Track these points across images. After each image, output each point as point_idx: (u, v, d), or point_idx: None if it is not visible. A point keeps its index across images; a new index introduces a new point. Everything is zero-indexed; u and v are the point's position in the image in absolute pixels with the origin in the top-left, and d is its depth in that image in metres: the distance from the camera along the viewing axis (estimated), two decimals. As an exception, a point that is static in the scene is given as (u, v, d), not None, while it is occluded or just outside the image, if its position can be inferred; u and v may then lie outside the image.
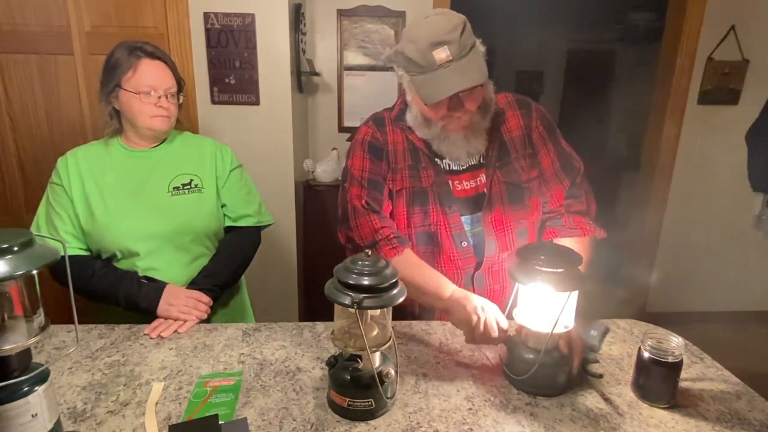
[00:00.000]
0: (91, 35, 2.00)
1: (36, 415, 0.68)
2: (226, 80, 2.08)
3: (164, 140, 1.32)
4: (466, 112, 1.03)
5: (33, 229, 1.24)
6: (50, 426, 0.70)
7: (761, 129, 2.72)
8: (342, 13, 2.54)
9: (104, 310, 1.26)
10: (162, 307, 1.16)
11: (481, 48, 1.02)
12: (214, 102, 2.11)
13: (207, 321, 1.20)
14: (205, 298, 1.20)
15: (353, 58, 2.61)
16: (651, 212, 2.89)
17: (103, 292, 1.20)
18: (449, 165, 1.14)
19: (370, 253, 0.83)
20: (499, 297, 1.15)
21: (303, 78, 2.37)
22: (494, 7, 3.55)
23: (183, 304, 1.16)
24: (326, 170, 2.38)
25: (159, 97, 1.22)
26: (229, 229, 1.37)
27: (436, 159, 1.13)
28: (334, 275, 0.83)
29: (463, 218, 1.13)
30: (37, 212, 1.26)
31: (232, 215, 1.36)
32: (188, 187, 1.28)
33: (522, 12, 4.31)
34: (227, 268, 1.31)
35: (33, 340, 0.67)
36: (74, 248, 1.22)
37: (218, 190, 1.33)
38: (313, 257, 2.45)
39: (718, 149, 2.80)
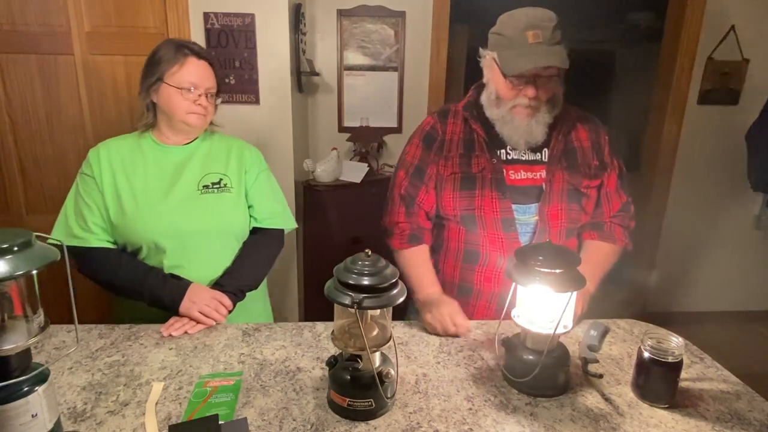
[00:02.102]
0: (91, 35, 2.00)
1: (36, 415, 0.68)
2: (226, 80, 2.08)
3: (195, 138, 1.33)
4: (537, 99, 1.13)
5: (60, 220, 1.24)
6: (50, 426, 0.70)
7: (761, 129, 2.72)
8: (342, 13, 2.54)
9: (129, 307, 1.27)
10: (185, 305, 1.16)
11: (566, 49, 1.12)
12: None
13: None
14: (227, 302, 1.19)
15: (353, 58, 2.61)
16: (651, 212, 2.89)
17: (130, 286, 1.20)
18: (508, 155, 1.22)
19: (370, 253, 0.83)
20: None
21: (303, 78, 2.37)
22: (494, 7, 3.56)
23: (205, 303, 1.16)
24: (326, 170, 2.38)
25: (199, 95, 1.23)
26: (254, 231, 1.37)
27: (496, 149, 1.21)
28: (334, 275, 0.83)
29: (515, 206, 1.20)
30: (64, 203, 1.25)
31: (259, 216, 1.36)
32: (217, 186, 1.29)
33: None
34: (252, 270, 1.31)
35: (33, 340, 0.67)
36: (102, 240, 1.22)
37: (246, 190, 1.34)
38: (313, 257, 2.45)
39: (718, 149, 2.80)
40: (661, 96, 2.79)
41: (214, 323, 1.16)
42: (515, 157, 1.22)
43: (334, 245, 2.38)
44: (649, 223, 2.91)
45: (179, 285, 1.19)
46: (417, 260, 1.25)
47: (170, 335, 1.11)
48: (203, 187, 1.27)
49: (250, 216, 1.35)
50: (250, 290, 1.30)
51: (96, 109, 2.08)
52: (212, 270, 1.27)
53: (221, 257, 1.29)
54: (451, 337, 1.12)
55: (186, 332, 1.12)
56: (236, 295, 1.23)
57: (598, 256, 1.26)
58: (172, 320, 1.16)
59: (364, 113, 2.66)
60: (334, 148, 2.50)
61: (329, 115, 2.68)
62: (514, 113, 1.17)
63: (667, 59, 2.73)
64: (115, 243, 1.25)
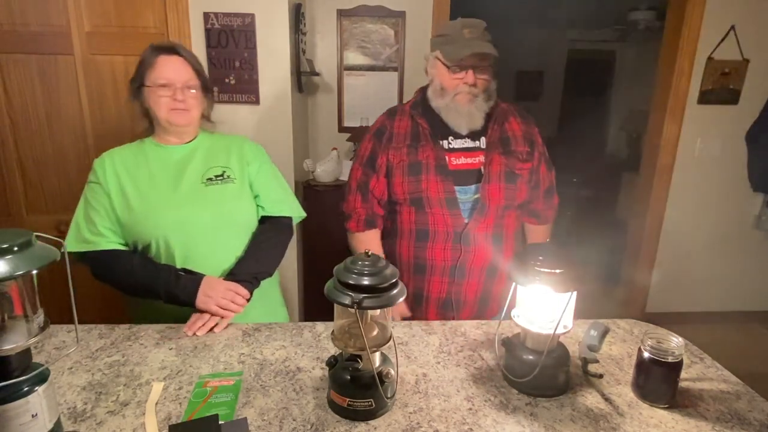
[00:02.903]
0: (91, 35, 2.00)
1: (36, 415, 0.68)
2: (226, 80, 2.08)
3: (195, 138, 1.35)
4: (475, 86, 1.32)
5: (71, 229, 1.25)
6: (50, 426, 0.71)
7: (761, 129, 2.72)
8: (342, 13, 2.54)
9: (145, 309, 1.27)
10: (200, 299, 1.16)
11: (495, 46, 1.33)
12: (214, 102, 2.11)
13: (245, 315, 1.21)
14: (243, 291, 1.20)
15: (353, 58, 2.61)
16: (651, 212, 2.89)
17: (143, 285, 1.20)
18: (450, 144, 1.38)
19: (370, 253, 0.83)
20: (482, 255, 1.38)
21: (303, 78, 2.37)
22: (494, 7, 3.55)
23: (221, 296, 1.16)
24: (326, 170, 2.38)
25: (175, 90, 1.24)
26: (262, 221, 1.37)
27: (439, 140, 1.38)
28: (334, 275, 0.83)
29: (457, 188, 1.35)
30: (75, 213, 1.27)
31: (266, 204, 1.36)
32: (221, 178, 1.30)
33: (522, 12, 4.32)
34: (264, 258, 1.31)
35: (33, 340, 0.67)
36: (113, 242, 1.23)
37: (250, 182, 1.35)
38: (313, 257, 2.45)
39: (718, 149, 2.80)
40: (661, 96, 2.79)
41: (234, 315, 1.17)
42: (456, 146, 1.39)
43: (334, 245, 2.37)
44: (649, 223, 2.91)
45: (193, 279, 1.19)
46: (371, 243, 1.45)
47: (195, 334, 1.11)
48: (207, 179, 1.29)
49: (258, 206, 1.36)
50: (264, 277, 1.29)
51: (96, 109, 2.08)
52: (225, 261, 1.27)
53: (232, 248, 1.29)
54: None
55: (212, 331, 1.13)
56: (251, 283, 1.23)
57: (543, 235, 1.56)
58: (194, 318, 1.15)
59: (364, 113, 2.66)
60: (334, 148, 2.50)
61: (329, 115, 2.68)
62: (457, 100, 1.35)
63: (667, 59, 2.73)
64: (126, 245, 1.26)
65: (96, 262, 1.23)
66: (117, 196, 1.24)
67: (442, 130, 1.38)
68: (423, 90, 1.46)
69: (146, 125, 1.32)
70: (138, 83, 1.26)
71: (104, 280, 1.24)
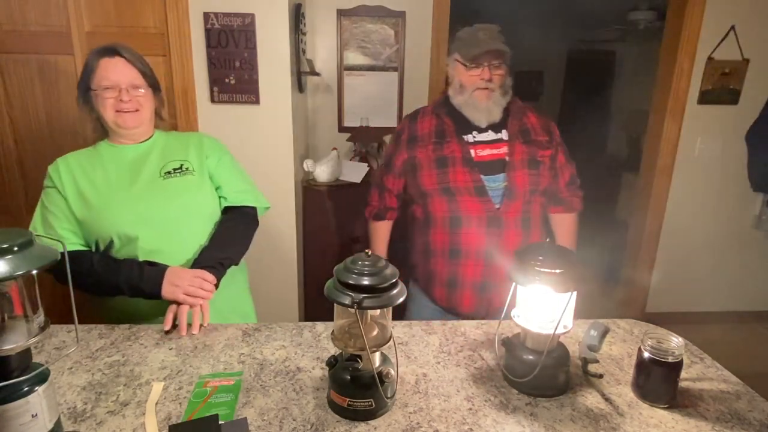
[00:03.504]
0: (91, 35, 2.00)
1: (36, 415, 0.68)
2: (226, 80, 2.08)
3: (149, 138, 1.34)
4: (491, 81, 1.43)
5: None
6: (50, 426, 0.71)
7: (761, 129, 2.72)
8: (342, 13, 2.54)
9: (106, 307, 1.26)
10: (166, 289, 1.16)
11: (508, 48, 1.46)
12: (214, 102, 2.11)
13: (210, 302, 1.19)
14: (210, 277, 1.19)
15: (353, 58, 2.61)
16: (651, 212, 2.89)
17: (105, 282, 1.19)
18: (474, 138, 1.49)
19: (370, 253, 0.83)
20: (513, 239, 1.45)
21: (303, 78, 2.37)
22: (494, 7, 3.55)
23: (188, 284, 1.15)
24: (326, 170, 2.37)
25: (120, 91, 1.23)
26: (225, 211, 1.37)
27: (463, 135, 1.48)
28: (334, 275, 0.83)
29: (484, 177, 1.45)
30: (33, 218, 1.26)
31: (228, 195, 1.37)
32: (179, 170, 1.30)
33: (522, 12, 4.31)
34: (228, 245, 1.31)
35: (33, 340, 0.67)
36: (72, 243, 1.22)
37: (210, 174, 1.35)
38: (313, 257, 2.45)
39: (718, 149, 2.80)
40: (661, 96, 2.78)
41: (202, 301, 1.15)
42: (480, 139, 1.49)
43: (334, 245, 2.38)
44: (649, 223, 2.91)
45: (156, 270, 1.19)
46: (379, 233, 1.70)
47: (168, 332, 1.11)
48: (165, 173, 1.29)
49: (220, 197, 1.37)
50: (230, 264, 1.29)
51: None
52: (188, 253, 1.27)
53: (196, 239, 1.29)
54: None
55: (193, 334, 1.12)
56: (217, 269, 1.23)
57: (570, 225, 1.65)
58: (169, 314, 1.14)
59: (364, 113, 2.65)
60: (334, 148, 2.50)
61: (329, 115, 2.68)
62: (475, 96, 1.46)
63: (667, 59, 2.73)
64: (87, 246, 1.25)
65: (55, 266, 1.20)
66: (74, 196, 1.23)
67: (465, 125, 1.49)
68: (445, 92, 1.57)
69: (99, 130, 1.31)
70: (84, 88, 1.26)
71: (64, 283, 1.19)
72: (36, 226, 1.24)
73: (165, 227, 1.24)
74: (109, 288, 1.20)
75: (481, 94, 1.45)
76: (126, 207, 1.22)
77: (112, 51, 1.26)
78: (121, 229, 1.21)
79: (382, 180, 1.63)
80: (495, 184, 1.45)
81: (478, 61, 1.42)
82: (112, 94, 1.23)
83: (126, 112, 1.25)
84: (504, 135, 1.49)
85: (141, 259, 1.22)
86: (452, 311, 1.51)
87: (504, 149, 1.47)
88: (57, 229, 1.21)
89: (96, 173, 1.26)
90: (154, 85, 1.32)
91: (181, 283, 1.16)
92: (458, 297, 1.49)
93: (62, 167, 1.26)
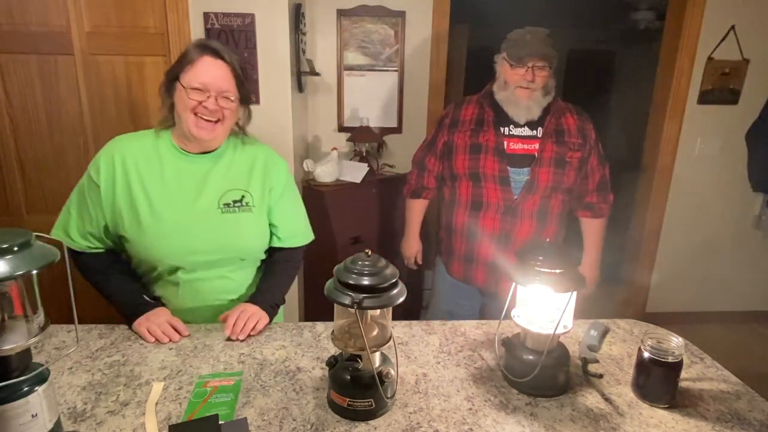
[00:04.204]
0: (91, 35, 2.00)
1: (36, 415, 0.68)
2: (226, 80, 2.08)
3: (216, 149, 1.23)
4: (534, 81, 1.50)
5: (62, 215, 1.21)
6: (50, 426, 0.70)
7: (761, 129, 2.72)
8: (342, 13, 2.54)
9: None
10: (138, 320, 1.13)
11: (556, 51, 1.54)
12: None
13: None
14: (184, 331, 1.12)
15: (353, 58, 2.61)
16: (651, 212, 2.89)
17: (112, 298, 1.20)
18: (510, 131, 1.57)
19: (370, 253, 0.83)
20: (527, 228, 1.57)
21: (303, 78, 2.37)
22: (494, 7, 3.56)
23: (157, 324, 1.11)
24: (326, 170, 2.37)
25: (208, 97, 1.12)
26: (275, 248, 1.33)
27: (500, 127, 1.57)
28: (334, 275, 0.83)
29: (511, 169, 1.55)
30: (69, 197, 1.21)
31: (283, 236, 1.31)
32: (239, 204, 1.21)
33: (522, 12, 4.31)
34: (282, 289, 1.31)
35: (33, 340, 0.67)
36: (95, 248, 1.21)
37: (270, 208, 1.28)
38: (313, 257, 2.45)
39: (718, 149, 2.80)
40: (661, 96, 2.78)
41: (153, 340, 1.10)
42: (515, 134, 1.57)
43: (334, 245, 2.37)
44: (649, 223, 2.91)
45: (147, 304, 1.18)
46: (413, 210, 1.85)
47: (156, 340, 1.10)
48: (224, 205, 1.20)
49: (273, 234, 1.30)
50: (280, 305, 1.30)
51: (96, 109, 2.08)
52: (224, 290, 1.25)
53: (236, 279, 1.26)
54: None
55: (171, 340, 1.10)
56: (269, 312, 1.20)
57: (597, 229, 1.74)
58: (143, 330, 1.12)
59: (364, 113, 2.65)
60: (334, 148, 2.50)
61: (329, 115, 2.68)
62: (517, 93, 1.53)
63: (667, 59, 2.73)
64: (112, 244, 1.24)
65: (77, 258, 1.21)
66: (123, 205, 1.15)
67: (504, 118, 1.57)
68: (491, 84, 1.64)
69: (170, 122, 1.20)
70: (172, 77, 1.15)
71: (84, 276, 1.21)
72: (71, 210, 1.19)
73: (210, 264, 1.21)
74: (105, 291, 1.21)
75: (522, 92, 1.52)
76: (178, 240, 1.16)
77: (216, 52, 1.14)
78: (167, 260, 1.18)
79: (423, 160, 1.73)
80: (519, 176, 1.55)
81: (523, 61, 1.49)
82: (200, 97, 1.12)
83: (205, 122, 1.14)
84: (539, 133, 1.57)
85: (172, 285, 1.21)
86: (467, 284, 1.69)
87: (536, 146, 1.55)
88: (87, 232, 1.18)
89: (152, 180, 1.17)
90: (245, 97, 1.21)
91: (154, 320, 1.12)
92: (473, 272, 1.66)
93: (117, 163, 1.16)
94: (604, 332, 1.08)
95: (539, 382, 0.90)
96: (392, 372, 0.85)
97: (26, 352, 0.69)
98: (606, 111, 4.95)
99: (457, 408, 0.88)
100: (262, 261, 1.33)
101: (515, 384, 0.93)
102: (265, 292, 1.25)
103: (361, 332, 0.80)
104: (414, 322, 1.20)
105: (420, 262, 1.94)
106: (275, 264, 1.33)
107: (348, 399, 0.83)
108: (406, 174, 1.90)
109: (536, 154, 1.55)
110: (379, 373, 0.84)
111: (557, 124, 1.58)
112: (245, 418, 0.83)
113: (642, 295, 3.02)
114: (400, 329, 1.16)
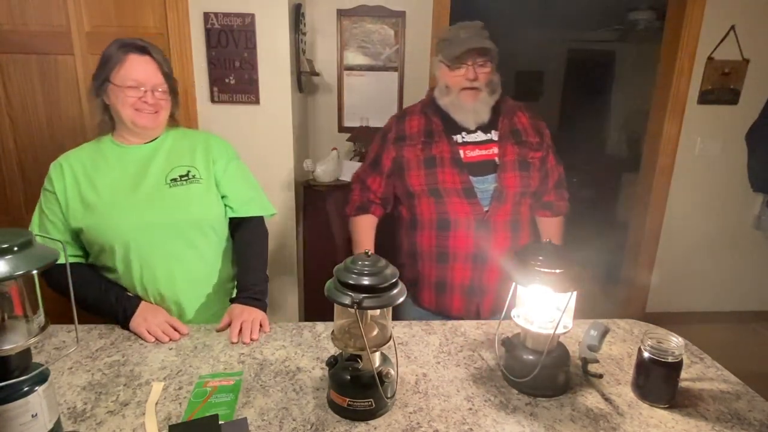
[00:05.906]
0: (91, 35, 2.00)
1: (36, 415, 0.68)
2: (226, 80, 2.08)
3: (156, 138, 1.30)
4: (476, 80, 1.38)
5: None
6: (50, 426, 0.71)
7: (761, 129, 2.72)
8: (342, 13, 2.54)
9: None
10: (136, 320, 1.13)
11: (494, 44, 1.40)
12: (214, 102, 2.11)
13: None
14: (183, 330, 1.14)
15: (353, 58, 2.61)
16: (651, 212, 2.89)
17: (91, 302, 1.19)
18: (463, 138, 1.44)
19: (370, 253, 0.83)
20: (503, 241, 1.42)
21: (303, 78, 2.37)
22: (494, 7, 3.55)
23: (156, 324, 1.12)
24: (326, 170, 2.37)
25: (144, 92, 1.20)
26: (234, 224, 1.36)
27: (452, 135, 1.44)
28: (334, 275, 0.83)
29: (473, 178, 1.41)
30: (32, 219, 1.25)
31: (234, 204, 1.34)
32: (186, 178, 1.27)
33: (522, 12, 4.31)
34: (260, 274, 1.31)
35: (33, 340, 0.67)
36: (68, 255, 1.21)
37: (217, 181, 1.32)
38: (313, 257, 2.45)
39: (718, 149, 2.80)
40: (661, 96, 2.78)
41: (153, 340, 1.11)
42: (468, 140, 1.45)
43: (334, 245, 2.37)
44: (649, 223, 2.91)
45: (131, 301, 1.18)
46: (362, 226, 1.55)
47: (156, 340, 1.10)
48: (171, 180, 1.25)
49: (226, 206, 1.34)
50: (266, 291, 1.30)
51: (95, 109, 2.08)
52: (191, 264, 1.26)
53: (199, 251, 1.27)
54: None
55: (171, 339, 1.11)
56: (261, 301, 1.23)
57: (556, 228, 1.61)
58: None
59: (364, 113, 2.65)
60: (334, 148, 2.50)
61: (329, 115, 2.68)
62: (461, 97, 1.41)
63: (667, 59, 2.73)
64: (84, 253, 1.24)
65: (47, 272, 1.20)
66: (75, 202, 1.20)
67: (453, 126, 1.45)
68: (431, 92, 1.53)
69: (107, 123, 1.27)
70: (102, 79, 1.21)
71: (55, 290, 1.15)
72: (32, 229, 1.22)
73: (168, 238, 1.22)
74: (91, 308, 1.19)
75: (466, 94, 1.40)
76: (130, 215, 1.20)
77: (142, 49, 1.22)
78: (123, 237, 1.19)
79: (366, 180, 1.55)
80: (484, 185, 1.41)
81: (461, 60, 1.38)
82: (136, 93, 1.20)
83: (145, 112, 1.22)
84: (494, 135, 1.45)
85: (139, 263, 1.21)
86: (440, 314, 1.46)
87: (494, 150, 1.43)
88: (52, 236, 1.19)
89: (99, 175, 1.23)
90: (174, 89, 1.29)
91: (152, 319, 1.13)
92: (447, 300, 1.45)
93: (65, 168, 1.23)
94: (604, 332, 1.08)
95: (539, 382, 0.90)
96: (392, 372, 0.85)
97: (26, 352, 0.69)
98: (606, 111, 4.95)
99: (457, 408, 0.88)
100: (232, 244, 1.36)
101: (515, 384, 0.93)
102: (248, 288, 1.26)
103: (361, 332, 0.80)
104: (414, 322, 1.20)
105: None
106: (243, 248, 1.34)
107: (348, 399, 0.83)
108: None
109: (497, 159, 1.43)
110: (379, 373, 0.84)
111: (511, 124, 1.47)
112: (245, 418, 0.83)
113: (642, 295, 3.02)
114: (400, 329, 1.16)
